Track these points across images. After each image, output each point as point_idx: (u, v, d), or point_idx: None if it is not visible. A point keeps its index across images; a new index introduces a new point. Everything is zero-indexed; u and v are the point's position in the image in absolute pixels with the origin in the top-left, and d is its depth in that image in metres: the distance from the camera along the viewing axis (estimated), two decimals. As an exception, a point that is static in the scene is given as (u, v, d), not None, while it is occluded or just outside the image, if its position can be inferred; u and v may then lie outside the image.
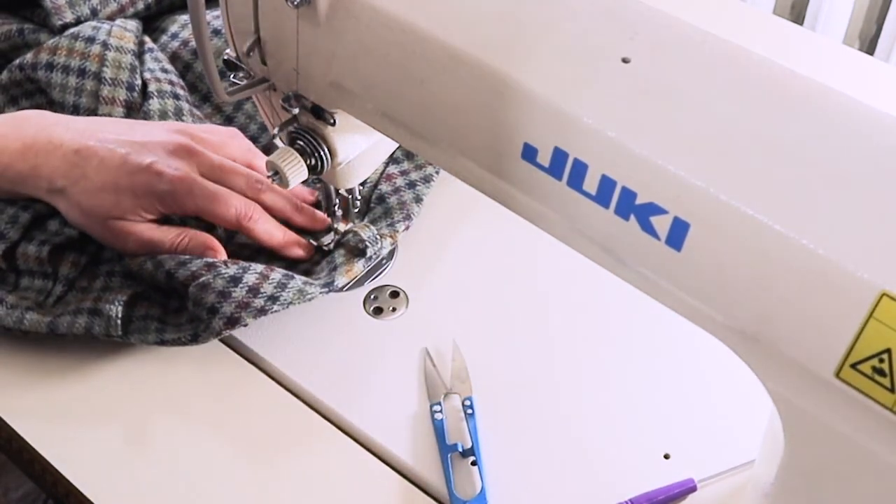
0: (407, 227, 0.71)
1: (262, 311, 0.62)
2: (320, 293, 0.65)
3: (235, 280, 0.63)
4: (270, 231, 0.68)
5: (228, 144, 0.70)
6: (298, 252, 0.69)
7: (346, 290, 0.69)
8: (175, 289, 0.65)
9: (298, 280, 0.64)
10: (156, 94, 0.73)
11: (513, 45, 0.46)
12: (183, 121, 0.74)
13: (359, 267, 0.68)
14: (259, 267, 0.65)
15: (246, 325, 0.62)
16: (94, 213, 0.65)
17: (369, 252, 0.67)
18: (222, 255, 0.66)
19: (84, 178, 0.64)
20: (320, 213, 0.71)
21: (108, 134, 0.66)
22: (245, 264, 0.65)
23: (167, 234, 0.66)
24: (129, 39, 0.75)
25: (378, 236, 0.68)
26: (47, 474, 0.61)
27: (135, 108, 0.72)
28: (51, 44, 0.74)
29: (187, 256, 0.65)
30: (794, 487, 0.46)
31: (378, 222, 0.71)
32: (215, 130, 0.71)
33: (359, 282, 0.69)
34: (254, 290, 0.62)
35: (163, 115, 0.73)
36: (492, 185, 0.50)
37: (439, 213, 0.74)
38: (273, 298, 0.63)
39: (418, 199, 0.73)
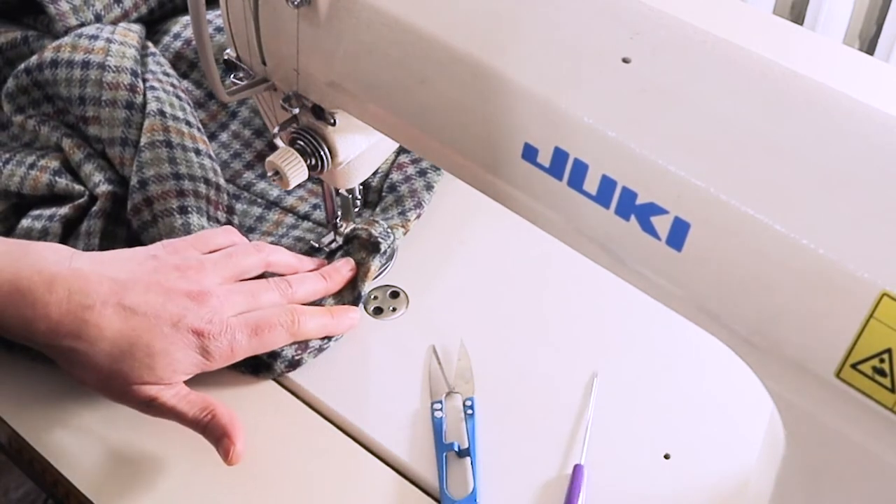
0: (419, 216, 0.71)
1: (320, 350, 0.64)
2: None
3: None
4: (319, 323, 0.63)
5: (241, 256, 0.63)
6: (350, 322, 0.65)
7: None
8: None
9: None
10: (160, 90, 0.73)
11: (513, 44, 0.46)
12: (188, 120, 0.72)
13: (375, 264, 0.68)
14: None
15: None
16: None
17: (383, 247, 0.67)
18: (240, 441, 0.57)
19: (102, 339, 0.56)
20: (342, 265, 0.67)
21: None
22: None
23: (191, 408, 0.59)
24: (133, 38, 0.75)
25: (389, 230, 0.68)
26: (47, 474, 0.61)
27: (138, 93, 0.71)
28: (55, 43, 0.74)
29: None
30: (795, 487, 0.46)
31: (389, 211, 0.71)
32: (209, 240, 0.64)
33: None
34: None
35: (163, 112, 0.72)
36: (492, 185, 0.50)
37: (440, 213, 0.74)
38: (328, 336, 0.64)
39: (429, 187, 0.73)
